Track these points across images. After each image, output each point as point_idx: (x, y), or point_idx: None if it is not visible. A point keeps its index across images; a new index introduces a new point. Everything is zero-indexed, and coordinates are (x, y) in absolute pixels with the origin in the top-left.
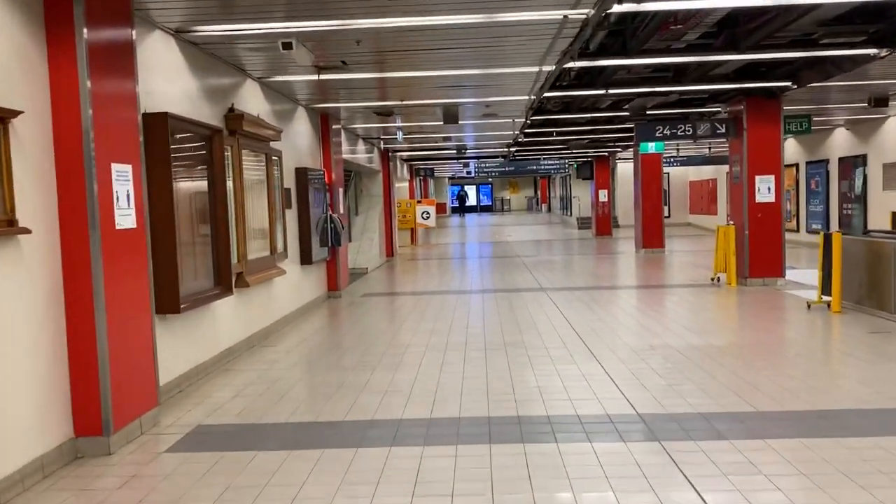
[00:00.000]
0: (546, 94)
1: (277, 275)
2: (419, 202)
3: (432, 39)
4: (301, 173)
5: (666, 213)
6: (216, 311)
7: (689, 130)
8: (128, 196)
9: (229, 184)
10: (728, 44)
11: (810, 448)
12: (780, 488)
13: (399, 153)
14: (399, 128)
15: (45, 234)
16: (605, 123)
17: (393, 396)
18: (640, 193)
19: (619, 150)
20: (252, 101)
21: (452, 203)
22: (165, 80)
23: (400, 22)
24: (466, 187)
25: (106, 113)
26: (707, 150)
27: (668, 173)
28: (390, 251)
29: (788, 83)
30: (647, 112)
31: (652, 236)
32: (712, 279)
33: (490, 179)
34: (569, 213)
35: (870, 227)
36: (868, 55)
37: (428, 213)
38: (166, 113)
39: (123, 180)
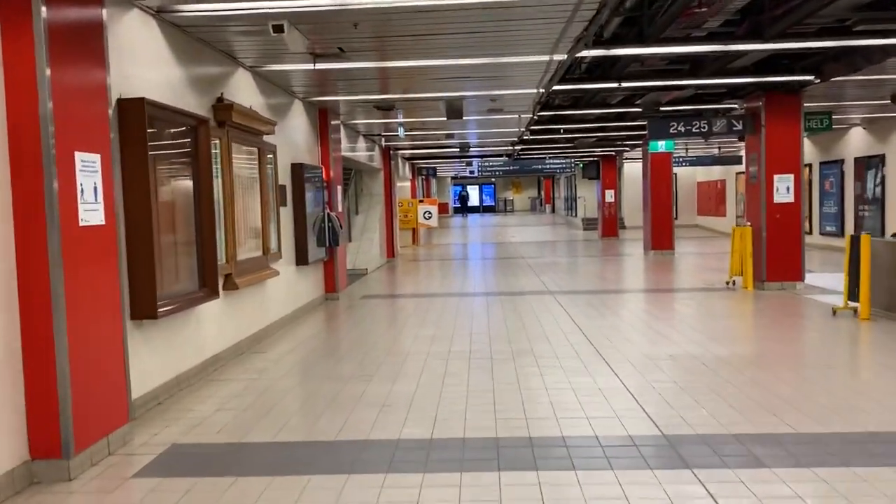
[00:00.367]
0: (555, 88)
1: (270, 276)
2: (421, 202)
3: (437, 23)
4: (297, 169)
5: (673, 215)
6: (201, 316)
7: (704, 127)
8: (95, 189)
9: (217, 179)
10: (752, 32)
11: (866, 480)
12: None
13: (401, 151)
14: (401, 123)
15: None
16: (615, 120)
17: (390, 412)
18: (650, 194)
19: (627, 149)
20: (243, 91)
21: (455, 203)
22: (145, 64)
23: (401, 2)
24: (469, 187)
25: (69, 98)
26: (717, 150)
27: (675, 174)
28: (391, 252)
29: (811, 77)
30: (660, 108)
31: (661, 238)
32: (727, 283)
33: (493, 179)
34: (574, 214)
35: (888, 229)
36: None
37: (430, 212)
38: (143, 99)
39: (90, 171)
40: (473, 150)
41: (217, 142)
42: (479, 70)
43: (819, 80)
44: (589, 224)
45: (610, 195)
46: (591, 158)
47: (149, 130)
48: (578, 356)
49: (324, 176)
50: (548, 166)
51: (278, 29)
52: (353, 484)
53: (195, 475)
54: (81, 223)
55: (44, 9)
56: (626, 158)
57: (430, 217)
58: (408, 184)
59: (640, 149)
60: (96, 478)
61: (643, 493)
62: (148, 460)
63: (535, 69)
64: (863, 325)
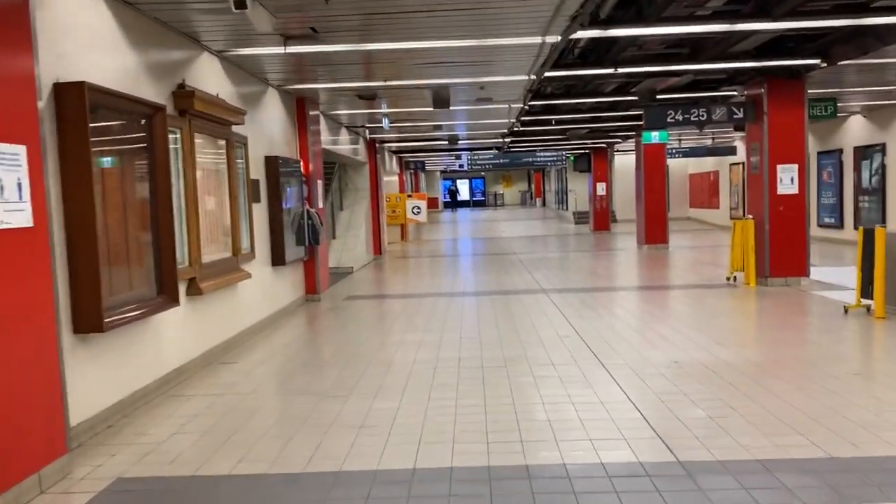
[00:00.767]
0: (547, 74)
1: (241, 279)
2: (409, 196)
3: None
4: (272, 163)
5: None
6: (160, 325)
7: (703, 115)
8: (19, 186)
9: (178, 173)
10: (759, 10)
11: None
12: None
13: (387, 144)
14: (385, 114)
15: None
16: (608, 110)
17: (369, 435)
18: (643, 186)
19: (620, 140)
20: (209, 77)
21: (444, 198)
22: (89, 46)
23: None
24: (459, 181)
25: None
26: (710, 141)
27: (667, 165)
28: (378, 249)
29: (817, 61)
30: (656, 97)
31: (655, 231)
32: (728, 278)
33: (483, 173)
34: (565, 208)
35: (889, 220)
36: None
37: (419, 207)
38: (83, 83)
39: (11, 165)
40: (462, 143)
41: (178, 132)
42: (466, 54)
43: (826, 64)
44: (580, 218)
45: (601, 188)
46: (583, 151)
47: (95, 120)
48: (576, 363)
49: (302, 170)
50: (538, 159)
51: (240, 4)
52: None
53: None
54: (1, 226)
55: None
56: (618, 150)
57: (418, 212)
58: (395, 178)
59: (632, 140)
60: None
61: None
62: (85, 500)
63: (526, 53)
64: (879, 325)
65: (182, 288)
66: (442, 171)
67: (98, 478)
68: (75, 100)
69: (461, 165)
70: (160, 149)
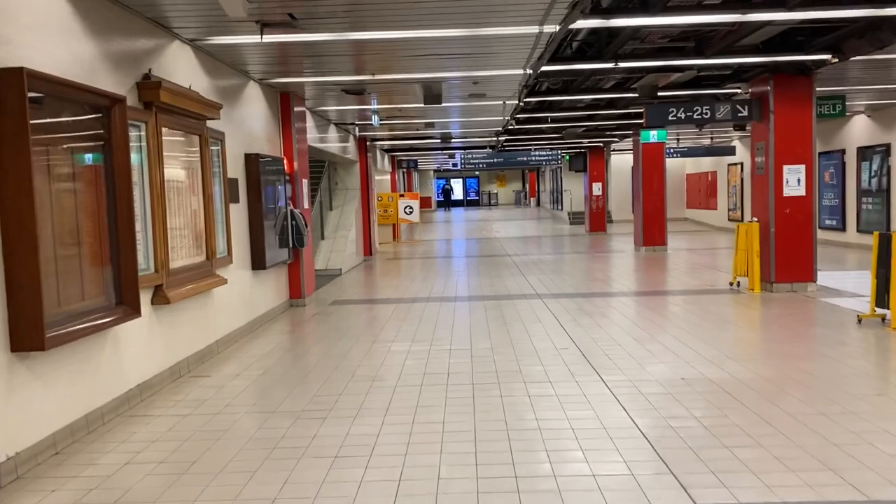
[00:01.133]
0: (544, 69)
1: (216, 284)
2: (402, 196)
3: None
4: (252, 161)
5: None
6: (120, 338)
7: (706, 113)
8: None
9: (143, 170)
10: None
11: None
12: None
13: (379, 142)
14: (375, 111)
15: None
16: (606, 108)
17: (344, 466)
18: (641, 186)
19: (617, 139)
20: (181, 68)
21: (438, 197)
22: (36, 30)
23: None
24: (452, 181)
25: None
26: (709, 141)
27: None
28: (368, 250)
29: (828, 56)
30: (658, 94)
31: (653, 233)
32: (731, 283)
33: (477, 172)
34: (559, 208)
35: (894, 223)
36: None
37: (411, 207)
38: (22, 69)
39: None
40: (456, 142)
41: (143, 127)
42: (458, 45)
43: (837, 60)
44: (576, 218)
45: (597, 188)
46: (578, 150)
47: (41, 112)
48: (575, 379)
49: (286, 168)
50: (533, 158)
51: None
52: None
53: None
54: None
55: None
56: (614, 150)
57: (411, 212)
58: (387, 177)
59: (629, 139)
60: None
61: None
62: None
63: (522, 44)
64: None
65: (147, 296)
66: (435, 171)
67: None
68: (12, 88)
69: (454, 164)
70: (120, 144)
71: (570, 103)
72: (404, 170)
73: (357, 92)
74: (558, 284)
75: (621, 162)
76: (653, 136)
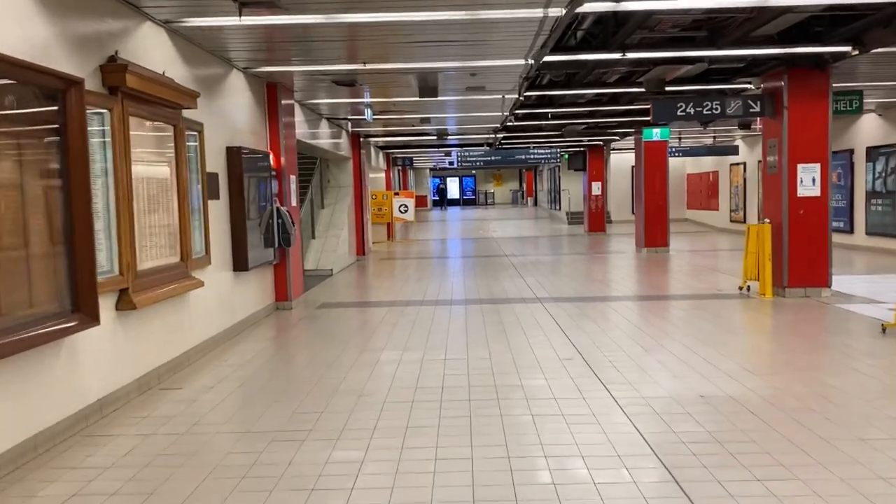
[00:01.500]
0: (547, 59)
1: (192, 287)
2: (397, 194)
3: None
4: (234, 155)
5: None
6: (77, 348)
7: (716, 109)
8: None
9: (105, 162)
10: None
11: None
12: None
13: (373, 139)
14: (368, 104)
15: None
16: (609, 103)
17: (319, 503)
18: (643, 186)
19: (617, 138)
20: (153, 52)
21: (434, 196)
22: None
23: None
24: (449, 179)
25: None
26: (712, 140)
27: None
28: (361, 249)
29: (848, 48)
30: (665, 88)
31: (655, 234)
32: (741, 288)
33: (473, 171)
34: (557, 208)
35: None
36: None
37: (406, 206)
38: None
39: None
40: (452, 139)
41: (107, 114)
42: (456, 31)
43: (857, 52)
44: (574, 218)
45: (597, 188)
46: (578, 149)
47: None
48: (582, 396)
49: (272, 163)
50: (531, 157)
51: None
52: None
53: None
54: None
55: None
56: (613, 149)
57: (406, 211)
58: (382, 175)
59: (630, 138)
60: None
61: None
62: None
63: (524, 29)
64: None
65: (110, 301)
66: (431, 169)
67: None
68: None
69: (451, 163)
70: (76, 132)
71: (571, 98)
72: (399, 167)
73: (348, 83)
74: (559, 287)
75: (620, 161)
76: (655, 134)
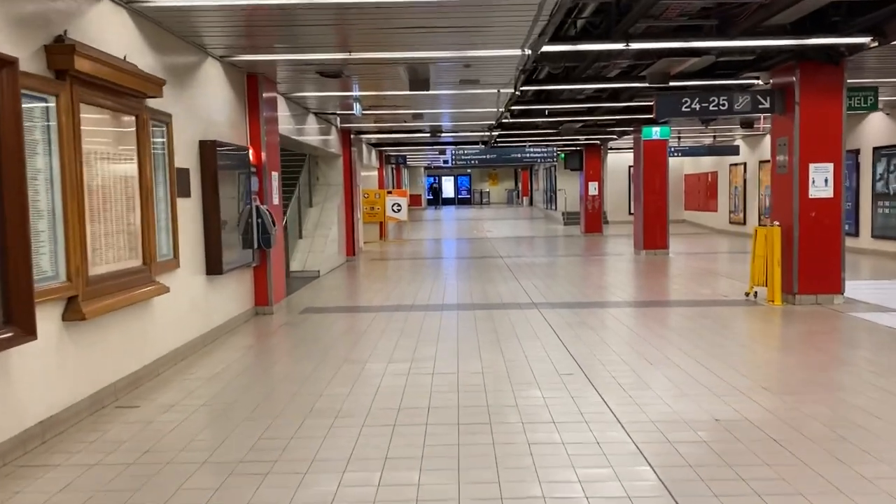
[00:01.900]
0: (545, 49)
1: (155, 293)
2: (390, 193)
3: None
4: (208, 149)
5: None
6: (12, 365)
7: (723, 104)
8: None
9: (47, 154)
10: None
11: None
12: None
13: (365, 135)
14: (357, 98)
15: None
16: (609, 100)
17: None
18: (642, 186)
19: (615, 136)
20: (112, 34)
21: (428, 195)
22: None
23: None
24: (444, 178)
25: None
26: (712, 139)
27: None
28: (351, 249)
29: (866, 40)
30: (669, 83)
31: (654, 236)
32: (747, 294)
33: (468, 170)
34: (553, 208)
35: None
36: None
37: (399, 205)
38: None
39: None
40: (446, 136)
41: (51, 101)
42: (448, 15)
43: (877, 44)
44: (570, 218)
45: (594, 188)
46: (574, 148)
47: None
48: (584, 419)
49: (252, 159)
50: (527, 155)
51: None
52: None
53: None
54: None
55: None
56: (611, 148)
57: (399, 210)
58: (375, 173)
59: (628, 137)
60: None
61: None
62: None
63: (521, 14)
64: None
65: (55, 311)
66: (426, 167)
67: None
68: None
69: (445, 161)
70: (8, 118)
71: (569, 94)
72: (393, 166)
73: (334, 74)
74: (556, 291)
75: (617, 161)
76: (655, 132)
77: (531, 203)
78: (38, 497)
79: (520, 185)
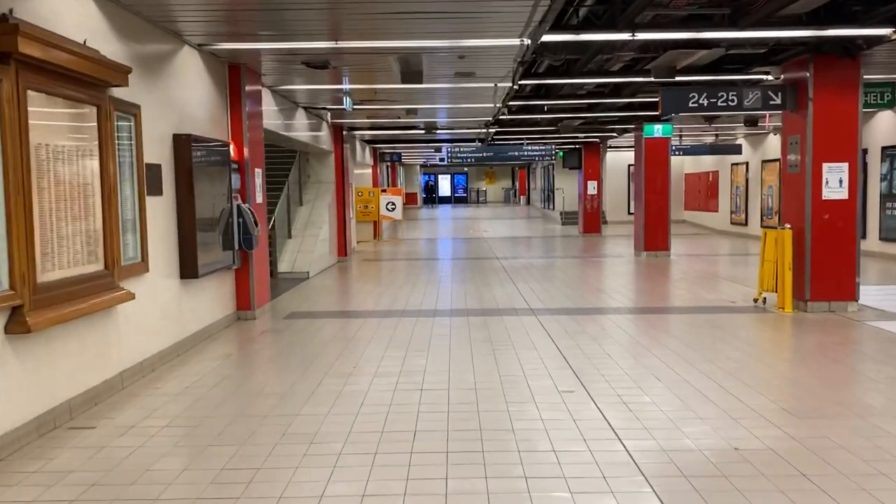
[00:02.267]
0: (546, 38)
1: (118, 301)
2: (384, 191)
3: None
4: (183, 144)
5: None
6: None
7: (732, 100)
8: None
9: None
10: None
11: None
12: None
13: (358, 132)
14: (347, 92)
15: None
16: (610, 95)
17: None
18: (644, 185)
19: (615, 134)
20: (69, 15)
21: (424, 193)
22: None
23: None
24: (440, 177)
25: None
26: (713, 138)
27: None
28: (343, 250)
29: (888, 31)
30: (675, 77)
31: (655, 237)
32: (755, 300)
33: (465, 168)
34: (551, 207)
35: None
36: None
37: (394, 203)
38: None
39: None
40: (442, 134)
41: None
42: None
43: None
44: (568, 218)
45: (592, 187)
46: (573, 146)
47: None
48: (589, 448)
49: (233, 155)
50: (524, 154)
51: None
52: None
53: None
54: None
55: None
56: (610, 147)
57: (393, 209)
58: (369, 171)
59: (629, 135)
60: None
61: None
62: None
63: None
64: None
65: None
66: (422, 165)
67: None
68: None
69: (441, 159)
70: None
71: (570, 89)
72: (388, 163)
73: (321, 65)
74: (554, 296)
75: (616, 160)
76: (657, 130)
77: (528, 202)
78: None
79: (517, 183)
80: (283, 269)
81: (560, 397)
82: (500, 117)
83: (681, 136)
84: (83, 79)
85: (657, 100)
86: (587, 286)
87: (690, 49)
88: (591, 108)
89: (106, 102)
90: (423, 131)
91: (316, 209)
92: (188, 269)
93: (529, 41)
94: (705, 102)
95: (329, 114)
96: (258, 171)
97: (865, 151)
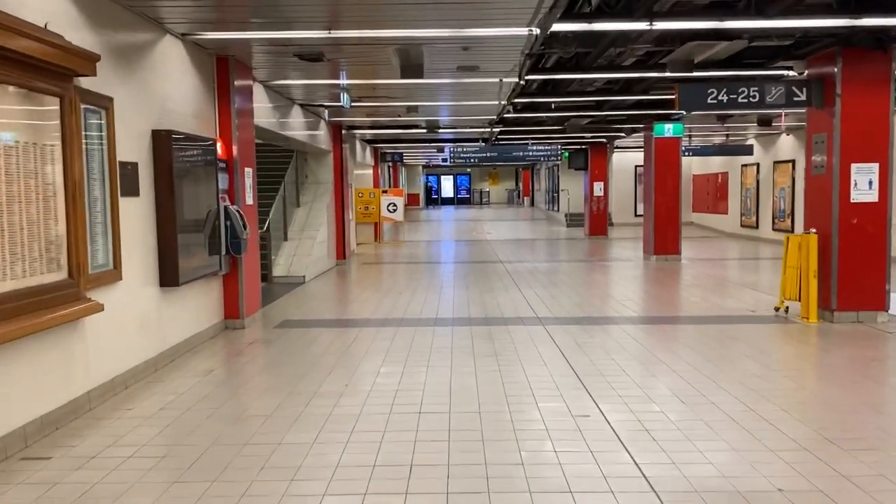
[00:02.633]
0: (556, 27)
1: (83, 313)
2: (385, 192)
3: None
4: (162, 140)
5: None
6: None
7: (754, 96)
8: None
9: None
10: None
11: None
12: None
13: (358, 131)
14: (344, 88)
15: None
16: (621, 92)
17: None
18: (653, 187)
19: (623, 134)
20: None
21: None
22: None
23: None
24: (443, 177)
25: None
26: (724, 138)
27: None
28: (342, 252)
29: None
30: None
31: (666, 240)
32: (777, 309)
33: (468, 169)
34: (556, 209)
35: None
36: None
37: (395, 205)
38: None
39: None
40: (444, 133)
41: None
42: None
43: None
44: (573, 220)
45: (599, 188)
46: (579, 146)
47: None
48: (609, 487)
49: (221, 153)
50: (529, 154)
51: None
52: None
53: None
54: None
55: None
56: (617, 147)
57: (394, 210)
58: (370, 171)
59: (637, 135)
60: None
61: None
62: None
63: None
64: None
65: None
66: (424, 166)
67: None
68: None
69: (444, 159)
70: None
71: (578, 85)
72: (389, 163)
73: (314, 58)
74: (562, 303)
75: (623, 160)
76: (668, 129)
77: (532, 204)
78: None
79: (521, 184)
80: (277, 274)
81: (574, 423)
82: (505, 115)
83: (690, 136)
84: (43, 66)
85: (669, 97)
86: (596, 292)
87: (710, 41)
88: (599, 105)
89: (71, 93)
90: (424, 131)
91: (313, 211)
92: (168, 275)
93: (539, 30)
94: (725, 99)
95: (327, 111)
96: (248, 171)
97: None
